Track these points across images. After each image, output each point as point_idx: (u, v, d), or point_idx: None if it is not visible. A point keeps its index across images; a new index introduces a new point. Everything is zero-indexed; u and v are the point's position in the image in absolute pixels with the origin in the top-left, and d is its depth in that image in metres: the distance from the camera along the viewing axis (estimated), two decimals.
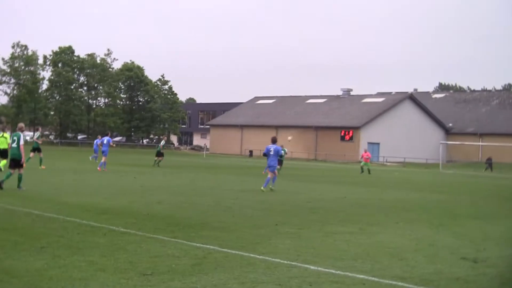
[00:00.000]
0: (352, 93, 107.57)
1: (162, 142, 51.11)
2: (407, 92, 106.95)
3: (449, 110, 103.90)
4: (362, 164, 51.21)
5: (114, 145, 43.83)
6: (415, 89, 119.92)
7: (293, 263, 10.52)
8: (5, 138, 30.01)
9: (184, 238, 12.53)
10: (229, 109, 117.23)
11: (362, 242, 13.34)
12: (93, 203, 18.50)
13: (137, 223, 14.57)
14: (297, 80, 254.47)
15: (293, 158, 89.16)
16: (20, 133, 22.33)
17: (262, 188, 26.30)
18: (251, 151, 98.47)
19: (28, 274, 8.89)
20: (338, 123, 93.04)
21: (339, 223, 16.43)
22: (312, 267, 10.23)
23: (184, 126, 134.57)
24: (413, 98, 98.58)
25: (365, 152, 52.39)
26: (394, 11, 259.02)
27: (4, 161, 29.82)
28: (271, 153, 26.85)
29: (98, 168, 36.94)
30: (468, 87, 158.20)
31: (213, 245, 11.86)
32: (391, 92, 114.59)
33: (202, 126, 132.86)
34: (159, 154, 47.24)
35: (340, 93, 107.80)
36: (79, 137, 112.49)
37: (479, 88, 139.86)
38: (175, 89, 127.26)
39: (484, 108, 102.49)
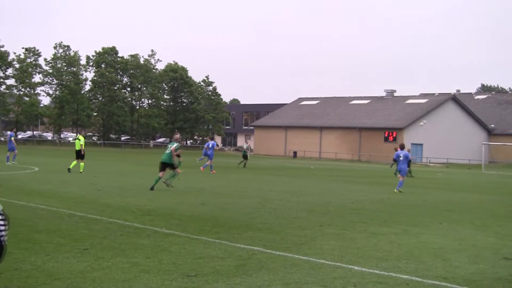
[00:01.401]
0: (395, 94, 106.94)
1: (246, 145, 52.67)
2: (449, 93, 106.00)
3: (491, 111, 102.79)
4: None
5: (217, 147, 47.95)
6: (458, 90, 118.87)
7: (337, 263, 10.56)
8: (79, 140, 32.19)
9: (228, 239, 12.61)
10: (273, 110, 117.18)
11: (405, 242, 13.32)
12: (137, 205, 18.69)
13: (181, 224, 14.71)
14: (341, 81, 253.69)
15: (337, 159, 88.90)
16: (174, 142, 25.44)
17: (395, 190, 28.71)
18: (295, 152, 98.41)
19: (71, 276, 8.93)
20: (382, 124, 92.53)
21: (383, 224, 16.41)
22: (356, 268, 10.27)
23: (228, 127, 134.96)
24: (456, 99, 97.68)
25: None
26: (436, 14, 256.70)
27: (74, 162, 31.96)
28: (401, 158, 29.60)
29: (201, 168, 41.05)
30: (510, 88, 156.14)
31: (258, 246, 11.94)
32: (434, 93, 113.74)
33: (246, 127, 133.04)
34: (245, 156, 51.01)
35: (383, 94, 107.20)
36: (122, 138, 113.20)
37: None
38: (219, 90, 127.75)
39: None
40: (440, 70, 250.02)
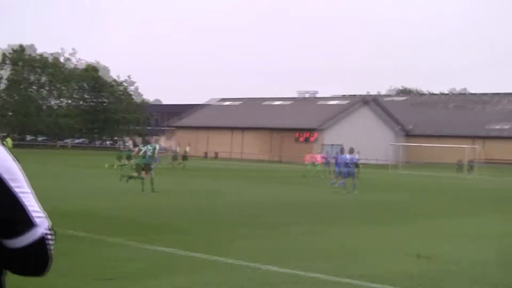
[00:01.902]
0: (316, 95, 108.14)
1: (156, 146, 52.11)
2: (367, 95, 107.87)
3: (409, 113, 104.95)
4: (315, 167, 49.16)
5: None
6: (378, 92, 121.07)
7: (254, 264, 10.62)
8: (7, 142, 31.26)
9: (147, 242, 12.50)
10: (195, 111, 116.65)
11: (323, 242, 13.53)
12: (56, 207, 18.37)
13: (98, 227, 14.53)
14: (262, 82, 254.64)
15: (258, 160, 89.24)
16: (150, 144, 26.37)
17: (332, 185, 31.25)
18: (216, 153, 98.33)
19: None
20: (304, 125, 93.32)
21: (301, 224, 16.59)
22: (273, 268, 10.34)
23: (149, 127, 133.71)
24: (374, 101, 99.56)
25: (317, 154, 52.25)
26: (361, 18, 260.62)
27: None
28: (348, 161, 30.87)
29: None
30: (427, 90, 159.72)
31: (176, 248, 11.90)
32: (352, 95, 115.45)
33: (168, 128, 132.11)
34: (184, 157, 52.22)
35: (304, 95, 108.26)
36: (39, 139, 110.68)
37: (437, 92, 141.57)
38: (141, 90, 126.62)
39: (442, 111, 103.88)
40: (358, 72, 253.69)
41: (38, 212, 2.27)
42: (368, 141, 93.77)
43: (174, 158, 51.64)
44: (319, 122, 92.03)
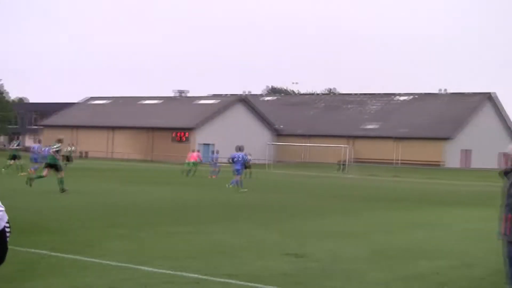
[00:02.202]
0: (186, 94, 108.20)
1: (72, 148, 50.75)
2: (240, 95, 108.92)
3: (279, 112, 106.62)
4: (187, 165, 49.65)
5: None
6: (248, 92, 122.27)
7: (126, 265, 10.53)
8: None
9: (13, 244, 12.15)
10: (63, 109, 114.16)
11: (195, 241, 13.56)
12: None
13: None
14: (132, 81, 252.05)
15: (129, 160, 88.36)
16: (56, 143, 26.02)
17: (228, 185, 31.85)
18: (86, 152, 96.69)
19: None
20: (173, 124, 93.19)
21: (173, 223, 16.60)
22: (145, 268, 10.28)
23: (16, 126, 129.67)
24: (246, 100, 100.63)
25: (193, 152, 52.36)
26: (227, 18, 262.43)
27: None
28: (239, 159, 31.70)
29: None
30: (298, 90, 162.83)
31: (45, 250, 11.61)
32: (225, 94, 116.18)
33: (36, 127, 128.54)
34: (68, 158, 48.33)
35: (174, 94, 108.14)
36: None
37: (306, 92, 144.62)
38: (6, 88, 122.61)
39: (311, 111, 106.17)
40: (230, 71, 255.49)
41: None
42: (243, 141, 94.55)
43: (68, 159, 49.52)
44: (192, 121, 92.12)
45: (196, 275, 9.88)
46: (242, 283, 9.55)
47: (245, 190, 30.00)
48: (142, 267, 10.37)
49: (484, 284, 10.59)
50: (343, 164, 76.31)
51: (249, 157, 35.49)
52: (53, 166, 25.16)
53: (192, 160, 49.69)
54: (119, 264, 10.59)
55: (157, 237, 13.99)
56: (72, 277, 9.48)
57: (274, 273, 10.40)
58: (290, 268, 10.96)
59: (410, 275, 10.86)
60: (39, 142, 43.24)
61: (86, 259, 10.96)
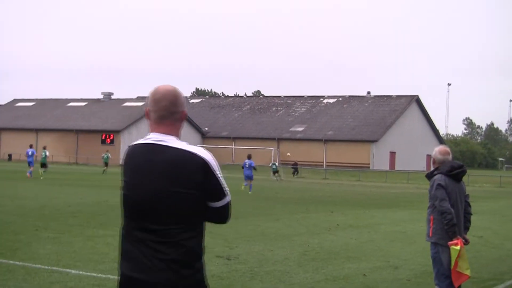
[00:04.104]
0: (112, 97, 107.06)
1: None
2: None
3: (205, 114, 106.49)
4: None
5: None
6: None
7: (54, 268, 10.45)
8: None
9: None
10: None
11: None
12: None
13: None
14: (58, 83, 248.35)
15: (53, 162, 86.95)
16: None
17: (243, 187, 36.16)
18: (10, 155, 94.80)
19: None
20: (99, 126, 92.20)
21: (100, 227, 16.45)
22: (73, 271, 10.23)
23: None
24: None
25: None
26: (153, 23, 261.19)
27: None
28: (247, 166, 37.20)
29: None
30: (222, 93, 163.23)
31: None
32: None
33: None
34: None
35: (100, 96, 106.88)
36: None
37: (232, 94, 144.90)
38: None
39: (237, 113, 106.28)
40: (154, 74, 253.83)
41: (227, 188, 4.17)
42: None
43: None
44: (118, 123, 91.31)
45: None
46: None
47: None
48: (70, 270, 10.36)
49: (410, 285, 10.81)
50: (294, 168, 75.86)
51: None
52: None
53: None
54: (47, 267, 10.51)
55: (84, 240, 13.91)
56: None
57: (209, 276, 10.37)
58: (220, 270, 11.03)
59: (337, 277, 11.05)
60: None
61: (11, 262, 10.82)
